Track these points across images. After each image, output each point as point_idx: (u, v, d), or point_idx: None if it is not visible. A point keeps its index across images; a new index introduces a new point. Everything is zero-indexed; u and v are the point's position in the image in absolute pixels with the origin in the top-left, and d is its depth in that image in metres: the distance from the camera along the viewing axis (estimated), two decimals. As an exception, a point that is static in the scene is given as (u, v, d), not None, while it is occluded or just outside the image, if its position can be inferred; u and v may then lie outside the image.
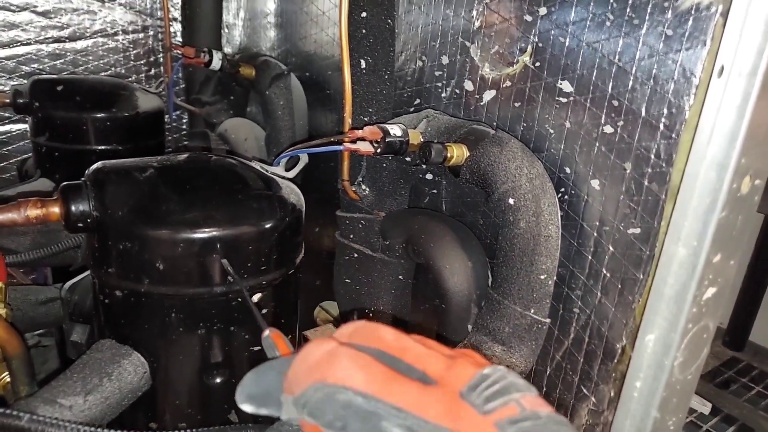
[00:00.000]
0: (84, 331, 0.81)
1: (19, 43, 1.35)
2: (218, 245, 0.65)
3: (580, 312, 0.75)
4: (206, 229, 0.64)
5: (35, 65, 1.38)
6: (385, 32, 0.86)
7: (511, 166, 0.69)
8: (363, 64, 0.87)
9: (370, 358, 0.32)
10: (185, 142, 1.55)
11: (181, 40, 1.49)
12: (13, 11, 1.33)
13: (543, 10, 0.74)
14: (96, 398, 0.62)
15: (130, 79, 1.49)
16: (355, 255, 0.97)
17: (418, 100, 0.95)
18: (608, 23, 0.66)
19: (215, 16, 1.40)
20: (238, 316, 0.69)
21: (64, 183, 0.65)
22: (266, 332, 0.43)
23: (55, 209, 0.63)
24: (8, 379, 0.75)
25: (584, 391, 0.76)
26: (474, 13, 0.83)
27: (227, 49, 1.50)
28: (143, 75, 1.51)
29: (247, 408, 0.35)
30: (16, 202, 0.62)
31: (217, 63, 1.23)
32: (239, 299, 0.68)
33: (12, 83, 1.36)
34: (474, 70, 0.85)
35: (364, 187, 0.92)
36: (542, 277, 0.69)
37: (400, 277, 0.93)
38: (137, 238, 0.63)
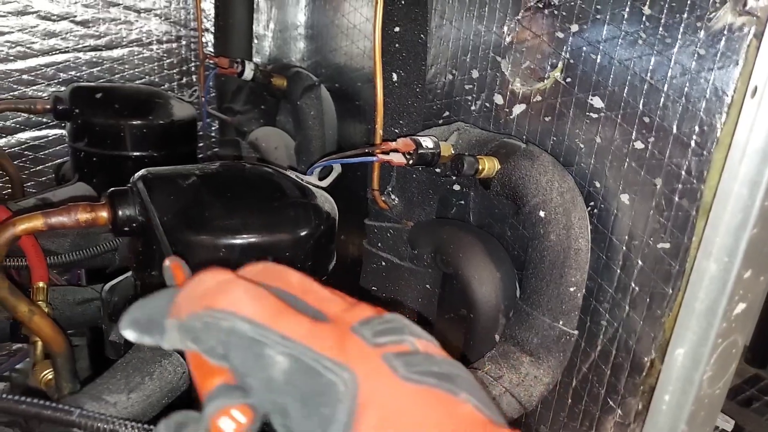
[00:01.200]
0: (121, 331, 0.84)
1: (57, 51, 1.40)
2: (257, 251, 0.67)
3: (607, 325, 0.76)
4: (246, 236, 0.66)
5: (73, 73, 1.42)
6: (417, 46, 0.88)
7: (542, 180, 0.70)
8: (395, 77, 0.90)
9: (264, 291, 0.31)
10: (215, 150, 1.59)
11: (213, 50, 1.53)
12: (53, 20, 1.38)
13: (575, 27, 0.75)
14: (138, 396, 0.64)
15: (163, 87, 1.53)
16: (383, 263, 0.99)
17: (447, 113, 0.97)
18: (640, 42, 0.68)
19: (247, 27, 1.44)
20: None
21: (112, 188, 0.68)
22: (167, 261, 0.40)
23: (103, 213, 0.66)
24: (50, 376, 0.78)
25: (611, 403, 0.77)
26: (505, 29, 0.85)
27: (257, 60, 1.54)
28: (176, 83, 1.55)
29: (129, 335, 0.33)
30: (66, 206, 0.65)
31: (249, 73, 1.26)
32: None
33: (50, 90, 1.41)
34: (504, 85, 0.87)
35: (393, 197, 0.94)
36: (571, 289, 0.70)
37: (427, 286, 0.95)
38: (181, 243, 0.65)
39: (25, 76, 1.38)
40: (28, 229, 0.62)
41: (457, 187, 0.96)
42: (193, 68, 1.56)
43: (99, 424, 0.53)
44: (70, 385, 0.71)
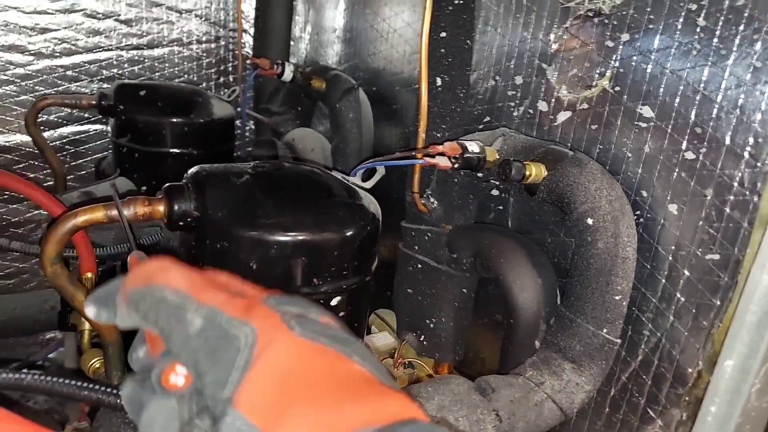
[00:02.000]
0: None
1: (101, 49, 1.44)
2: (306, 249, 0.68)
3: (650, 334, 0.76)
4: (297, 234, 0.68)
5: (115, 70, 1.46)
6: (462, 52, 0.89)
7: (591, 187, 0.70)
8: (439, 81, 0.91)
9: (192, 272, 0.37)
10: (249, 149, 1.61)
11: (251, 51, 1.55)
12: (98, 18, 1.42)
13: (626, 37, 0.76)
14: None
15: (201, 85, 1.56)
16: (419, 266, 1.00)
17: (488, 118, 0.98)
18: (694, 52, 0.68)
19: (285, 29, 1.46)
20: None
21: (168, 184, 0.70)
22: (130, 256, 0.47)
23: (160, 208, 0.67)
24: (98, 365, 0.80)
25: (650, 413, 0.77)
26: (552, 36, 0.86)
27: (292, 62, 1.55)
28: (213, 82, 1.58)
29: (90, 311, 0.40)
30: (126, 200, 0.66)
31: (288, 75, 1.28)
32: (321, 301, 0.71)
33: (93, 86, 1.44)
34: (549, 92, 0.87)
35: (432, 200, 0.95)
36: (617, 297, 0.71)
37: (464, 290, 0.95)
38: (234, 239, 0.67)
39: (69, 72, 1.41)
40: (89, 220, 0.64)
41: (495, 192, 0.97)
42: (230, 68, 1.58)
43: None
44: (119, 374, 0.73)
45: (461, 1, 0.87)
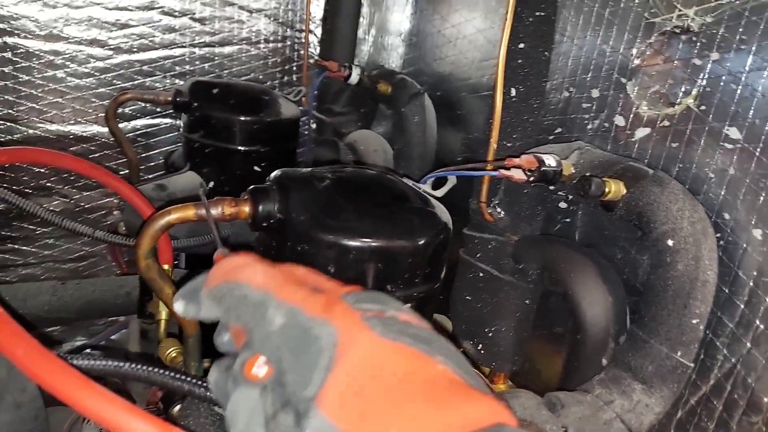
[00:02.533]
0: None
1: (176, 46, 1.49)
2: (383, 255, 0.70)
3: (724, 360, 0.74)
4: (375, 240, 0.69)
5: (187, 66, 1.51)
6: (540, 63, 0.89)
7: (673, 208, 0.69)
8: (513, 92, 0.91)
9: (273, 269, 0.38)
10: (311, 147, 1.64)
11: (316, 52, 1.58)
12: (175, 16, 1.47)
13: (715, 56, 0.74)
14: (265, 382, 0.68)
15: (266, 84, 1.60)
16: (481, 274, 1.00)
17: (559, 129, 0.97)
18: (790, 75, 0.66)
19: (352, 32, 1.48)
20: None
21: (254, 186, 0.72)
22: (216, 254, 0.49)
23: (246, 208, 0.70)
24: (174, 354, 0.83)
25: (719, 439, 0.75)
26: (634, 51, 0.85)
27: (357, 64, 1.58)
28: (278, 81, 1.61)
29: (178, 306, 0.42)
30: (214, 200, 0.69)
31: (355, 77, 1.30)
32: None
33: (167, 81, 1.50)
34: (627, 106, 0.86)
35: (499, 210, 0.95)
36: (694, 321, 0.69)
37: (527, 301, 0.95)
38: (315, 242, 0.69)
39: (145, 67, 1.47)
40: (181, 218, 0.67)
41: (563, 205, 0.96)
42: (294, 68, 1.62)
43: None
44: (197, 365, 0.76)
45: (542, 13, 0.87)
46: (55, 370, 0.41)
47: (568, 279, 0.81)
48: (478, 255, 1.00)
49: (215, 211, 0.70)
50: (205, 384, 0.58)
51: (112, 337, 1.55)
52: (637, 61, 0.84)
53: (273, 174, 0.76)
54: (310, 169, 0.77)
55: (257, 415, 0.34)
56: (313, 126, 1.63)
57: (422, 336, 0.33)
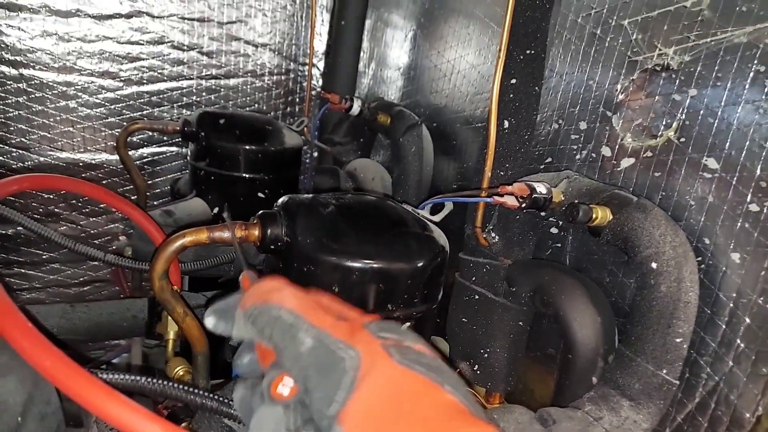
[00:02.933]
0: (242, 338, 0.92)
1: (183, 78, 1.56)
2: (384, 276, 0.74)
3: (707, 378, 0.78)
4: (376, 262, 0.73)
5: (194, 98, 1.57)
6: (530, 97, 0.95)
7: (656, 233, 0.74)
8: (506, 124, 0.96)
9: (304, 294, 0.42)
10: (309, 175, 1.69)
11: (318, 84, 1.65)
12: (183, 50, 1.54)
13: (693, 92, 0.80)
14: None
15: (269, 114, 1.66)
16: (476, 297, 1.04)
17: (549, 159, 1.03)
18: (761, 111, 0.71)
19: (353, 66, 1.55)
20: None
21: (263, 211, 0.77)
22: (242, 275, 0.52)
23: (255, 232, 0.74)
24: (182, 373, 0.86)
25: (705, 456, 0.78)
26: (618, 86, 0.91)
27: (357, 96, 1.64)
28: (281, 112, 1.68)
29: (209, 321, 0.44)
30: (225, 224, 0.74)
31: (356, 109, 1.36)
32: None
33: (174, 111, 1.56)
34: (613, 138, 0.91)
35: (493, 234, 0.99)
36: (678, 340, 0.73)
37: (520, 323, 0.99)
38: (320, 263, 0.73)
39: (154, 98, 1.53)
40: (194, 241, 0.71)
41: (554, 230, 1.01)
42: (297, 99, 1.68)
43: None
44: (205, 382, 0.79)
45: (532, 51, 0.93)
46: (85, 382, 0.44)
47: (559, 301, 0.85)
48: (473, 278, 1.04)
49: (226, 234, 0.74)
50: (217, 397, 0.61)
51: (114, 360, 1.57)
52: (621, 96, 0.90)
53: (280, 200, 0.80)
54: (314, 195, 0.82)
55: (281, 430, 0.37)
56: (315, 155, 1.68)
57: (434, 366, 0.37)
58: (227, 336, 0.46)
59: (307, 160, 1.74)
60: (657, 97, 0.85)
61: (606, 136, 0.92)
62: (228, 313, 0.44)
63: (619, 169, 0.90)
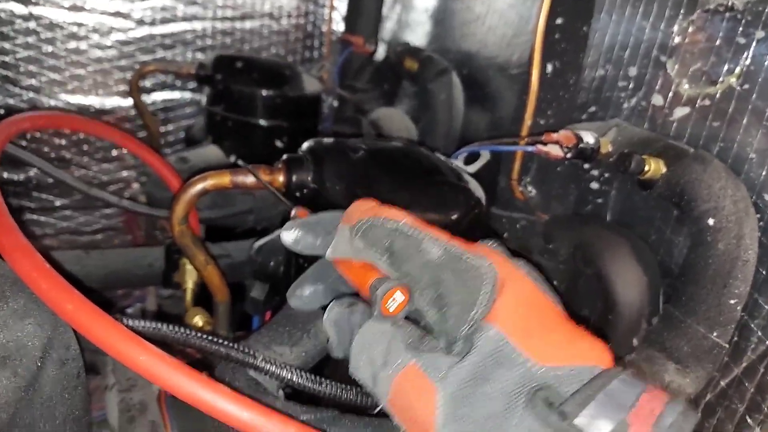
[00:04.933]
0: (263, 289, 0.88)
1: (197, 19, 1.48)
2: (418, 228, 0.69)
3: (758, 342, 0.74)
4: (410, 213, 0.68)
5: (209, 41, 1.50)
6: (578, 39, 0.87)
7: (715, 186, 0.68)
8: (549, 68, 0.89)
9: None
10: (328, 125, 1.63)
11: (335, 27, 1.56)
12: (197, -11, 1.46)
13: (760, 34, 0.72)
14: (298, 351, 0.68)
15: (288, 58, 1.58)
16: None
17: (593, 108, 0.96)
18: (844, 52, 0.64)
19: (377, 8, 1.46)
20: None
21: (289, 155, 0.71)
22: (296, 209, 0.52)
23: (280, 177, 0.69)
24: (201, 323, 0.83)
25: (749, 421, 0.75)
26: (675, 28, 0.83)
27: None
28: (299, 56, 1.60)
29: (290, 235, 0.43)
30: (249, 167, 0.69)
31: (381, 54, 1.29)
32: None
33: (187, 55, 1.49)
34: (666, 85, 0.84)
35: (530, 188, 0.94)
36: (732, 301, 0.68)
37: (555, 282, 0.94)
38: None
39: (166, 40, 1.46)
40: (216, 184, 0.66)
41: (595, 185, 0.95)
42: (316, 44, 1.60)
43: (279, 371, 0.57)
44: (225, 332, 0.76)
45: (582, -13, 0.85)
46: (108, 326, 0.41)
47: (602, 259, 0.80)
48: (506, 234, 1.00)
49: (250, 179, 0.69)
50: (244, 348, 0.58)
51: (128, 310, 1.56)
52: (678, 39, 0.82)
53: (306, 144, 0.75)
54: (342, 139, 0.77)
55: (397, 342, 0.36)
56: (334, 103, 1.62)
57: (545, 284, 0.38)
58: (310, 253, 0.43)
59: (326, 108, 1.67)
60: (718, 40, 0.78)
61: (659, 83, 0.85)
62: (320, 228, 0.44)
63: (671, 118, 0.83)
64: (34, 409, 0.50)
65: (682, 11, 0.82)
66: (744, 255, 0.67)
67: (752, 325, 0.74)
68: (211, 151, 1.25)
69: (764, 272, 0.73)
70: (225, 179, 0.67)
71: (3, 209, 0.48)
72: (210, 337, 0.57)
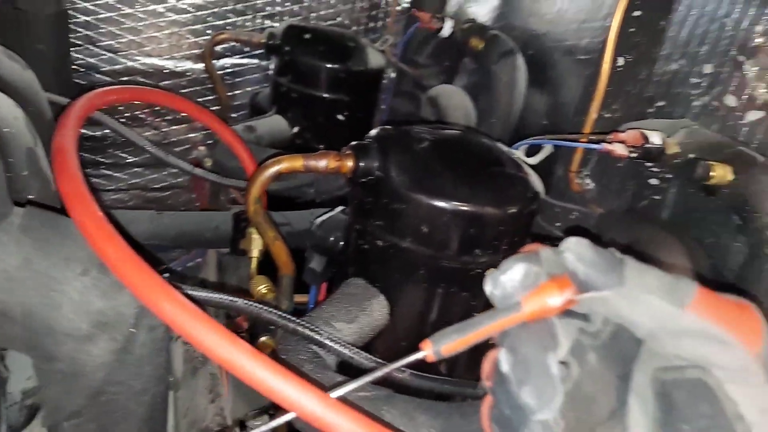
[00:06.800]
0: (321, 261, 0.93)
1: (267, -14, 1.50)
2: (476, 221, 0.71)
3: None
4: (470, 206, 0.70)
5: (278, 7, 1.52)
6: (655, 33, 0.85)
7: (783, 200, 0.67)
8: (621, 61, 0.88)
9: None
10: (388, 96, 1.64)
11: (403, 2, 1.56)
12: (269, -44, 1.47)
13: None
14: (354, 327, 0.72)
15: (351, 29, 1.59)
16: (557, 244, 1.00)
17: (662, 103, 0.94)
18: None
19: (445, -19, 1.44)
20: (474, 285, 0.76)
21: (356, 142, 0.74)
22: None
23: (348, 163, 0.72)
24: (265, 291, 0.89)
25: None
26: (759, 28, 0.80)
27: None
28: (363, 27, 1.60)
29: (581, 265, 0.35)
30: (320, 153, 0.72)
31: (447, 30, 1.28)
32: (478, 271, 0.75)
33: (257, 21, 1.52)
34: (742, 86, 0.82)
35: (588, 180, 0.94)
36: (787, 315, 0.69)
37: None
38: (412, 202, 0.71)
39: (238, 6, 1.49)
40: (289, 167, 0.70)
41: (654, 181, 0.94)
42: (380, 14, 1.60)
43: (342, 350, 0.62)
44: (288, 304, 0.82)
45: (664, -20, 0.82)
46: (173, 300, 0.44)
47: (655, 260, 0.81)
48: (557, 224, 1.01)
49: (321, 163, 0.73)
50: (310, 326, 0.63)
51: (188, 264, 1.66)
52: (760, 40, 0.80)
53: (373, 132, 0.78)
54: (407, 127, 0.79)
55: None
56: (393, 75, 1.62)
57: None
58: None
59: (385, 80, 1.68)
60: (806, 44, 0.75)
61: (734, 84, 0.83)
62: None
63: (743, 121, 0.81)
64: (126, 369, 0.56)
65: (767, 10, 0.79)
66: (804, 271, 0.67)
67: (806, 338, 0.74)
68: (276, 121, 1.29)
69: (823, 287, 0.72)
70: (298, 163, 0.71)
71: (88, 198, 0.52)
72: (281, 314, 0.62)
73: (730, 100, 0.83)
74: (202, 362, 1.10)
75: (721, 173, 0.72)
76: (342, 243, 0.86)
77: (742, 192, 0.71)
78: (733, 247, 0.82)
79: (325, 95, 1.27)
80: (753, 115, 0.80)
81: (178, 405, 1.01)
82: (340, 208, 0.91)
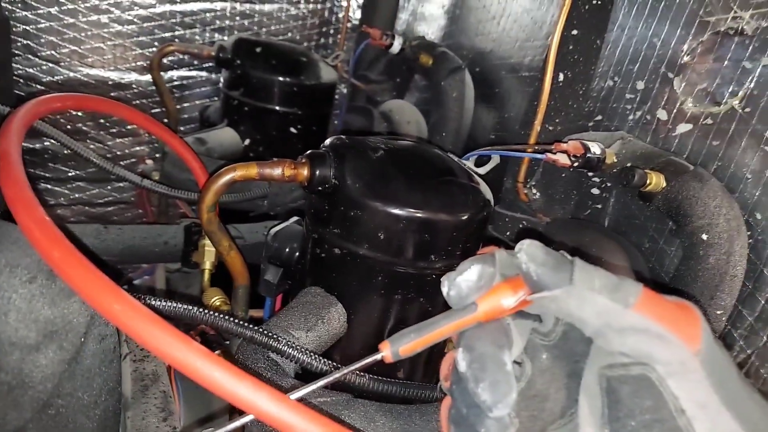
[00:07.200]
0: (276, 273, 0.92)
1: (218, 0, 1.50)
2: (430, 226, 0.73)
3: (739, 351, 0.79)
4: (425, 212, 0.72)
5: (228, 22, 1.52)
6: (590, 50, 0.91)
7: (711, 204, 0.73)
8: (561, 77, 0.93)
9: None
10: (337, 112, 1.66)
11: (352, 15, 1.58)
12: (219, -30, 1.47)
13: (766, 60, 0.76)
14: (312, 335, 0.72)
15: (303, 44, 1.61)
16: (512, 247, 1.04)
17: (599, 117, 1.00)
18: (841, 86, 0.68)
19: (394, 1, 1.48)
20: (430, 290, 0.78)
21: (312, 150, 0.75)
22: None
23: (304, 171, 0.73)
24: (218, 303, 0.88)
25: (725, 423, 0.80)
26: (685, 47, 0.86)
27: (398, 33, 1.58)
28: (314, 43, 1.62)
29: (537, 253, 0.37)
30: (275, 161, 0.72)
31: (397, 47, 1.31)
32: (434, 276, 0.77)
33: (206, 35, 1.51)
34: (671, 101, 0.88)
35: (535, 191, 0.98)
36: (718, 312, 0.74)
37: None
38: (367, 209, 0.72)
39: (186, 19, 1.48)
40: (244, 175, 0.70)
41: (595, 191, 0.99)
42: (332, 31, 1.62)
43: (302, 356, 0.62)
44: (243, 313, 0.81)
45: (599, 2, 0.88)
46: (131, 310, 0.43)
47: (597, 264, 0.85)
48: (507, 233, 1.04)
49: (276, 171, 0.73)
50: (269, 333, 0.62)
51: (136, 281, 1.60)
52: (686, 58, 0.86)
53: (328, 140, 0.79)
54: (362, 137, 0.80)
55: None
56: (345, 91, 1.64)
57: None
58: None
59: (337, 96, 1.70)
60: (726, 63, 0.82)
61: (664, 99, 0.89)
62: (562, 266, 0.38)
63: (674, 134, 0.88)
64: (75, 380, 0.54)
65: (692, 31, 0.86)
66: (732, 270, 0.72)
67: (735, 335, 0.80)
68: (227, 134, 1.28)
69: (750, 286, 0.78)
70: (252, 171, 0.71)
71: (33, 202, 0.50)
72: (238, 321, 0.61)
73: (662, 114, 0.89)
74: (152, 380, 1.06)
75: (656, 181, 0.77)
76: (297, 253, 0.86)
77: (674, 198, 0.76)
78: (669, 251, 0.87)
79: (278, 108, 1.27)
80: (682, 128, 0.86)
81: (128, 426, 0.97)
82: (294, 218, 0.92)
